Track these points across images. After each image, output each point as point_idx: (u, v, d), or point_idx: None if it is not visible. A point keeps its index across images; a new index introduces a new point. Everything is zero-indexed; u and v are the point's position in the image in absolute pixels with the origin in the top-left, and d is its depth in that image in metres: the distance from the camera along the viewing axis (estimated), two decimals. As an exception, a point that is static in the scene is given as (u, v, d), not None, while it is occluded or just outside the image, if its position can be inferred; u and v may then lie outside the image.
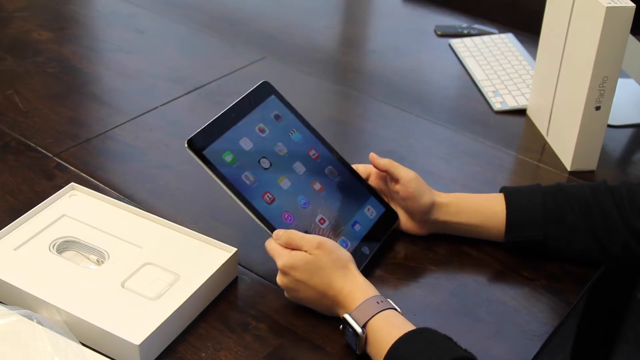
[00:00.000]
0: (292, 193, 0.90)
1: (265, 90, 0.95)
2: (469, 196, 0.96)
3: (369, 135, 1.23)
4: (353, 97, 1.34)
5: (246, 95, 0.93)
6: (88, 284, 0.83)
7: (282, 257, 0.83)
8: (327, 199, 0.92)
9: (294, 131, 0.95)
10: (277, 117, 0.94)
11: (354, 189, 0.96)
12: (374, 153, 0.97)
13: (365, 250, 0.92)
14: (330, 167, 0.95)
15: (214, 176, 0.86)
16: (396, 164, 0.95)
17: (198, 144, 0.86)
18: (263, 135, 0.92)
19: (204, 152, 0.86)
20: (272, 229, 0.86)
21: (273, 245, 0.85)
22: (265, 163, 0.90)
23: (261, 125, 0.92)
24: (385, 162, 0.96)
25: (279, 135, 0.93)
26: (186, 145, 0.85)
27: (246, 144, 0.90)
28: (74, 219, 0.93)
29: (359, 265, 0.88)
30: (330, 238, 0.89)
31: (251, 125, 0.91)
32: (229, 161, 0.87)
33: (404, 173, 0.94)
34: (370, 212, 0.95)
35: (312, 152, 0.95)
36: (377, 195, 0.97)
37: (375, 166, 0.96)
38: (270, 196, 0.88)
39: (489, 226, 0.94)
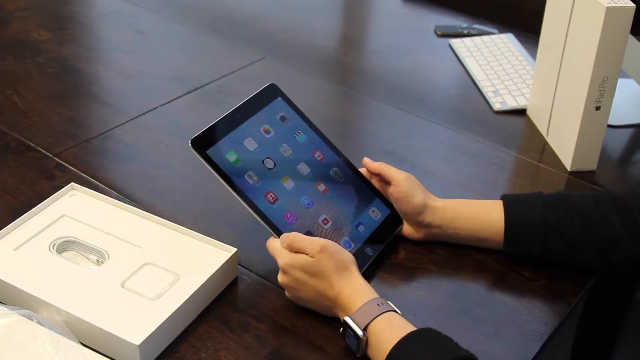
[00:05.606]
0: (295, 193, 0.90)
1: (271, 92, 0.95)
2: (467, 202, 0.95)
3: (369, 135, 1.23)
4: (353, 97, 1.34)
5: (252, 96, 0.93)
6: (88, 284, 0.83)
7: (282, 256, 0.83)
8: (331, 199, 0.92)
9: (299, 133, 0.95)
10: (282, 118, 0.94)
11: (359, 190, 0.96)
12: (367, 158, 0.97)
13: (369, 251, 0.92)
14: (335, 168, 0.95)
15: (217, 175, 0.86)
16: (388, 166, 0.95)
17: (201, 144, 0.86)
18: (268, 136, 0.92)
19: (207, 152, 0.86)
20: (274, 228, 0.86)
21: (274, 244, 0.85)
22: (269, 163, 0.90)
23: (266, 126, 0.92)
24: (377, 165, 0.96)
25: (284, 137, 0.93)
26: (190, 144, 0.85)
27: (250, 145, 0.90)
28: (74, 219, 0.93)
29: (361, 266, 0.88)
30: (333, 238, 0.89)
31: (256, 126, 0.92)
32: (233, 161, 0.87)
33: (395, 174, 0.94)
34: (375, 213, 0.95)
35: (317, 154, 0.95)
36: (383, 197, 0.97)
37: (368, 170, 0.96)
38: (274, 196, 0.88)
39: (486, 234, 0.93)
